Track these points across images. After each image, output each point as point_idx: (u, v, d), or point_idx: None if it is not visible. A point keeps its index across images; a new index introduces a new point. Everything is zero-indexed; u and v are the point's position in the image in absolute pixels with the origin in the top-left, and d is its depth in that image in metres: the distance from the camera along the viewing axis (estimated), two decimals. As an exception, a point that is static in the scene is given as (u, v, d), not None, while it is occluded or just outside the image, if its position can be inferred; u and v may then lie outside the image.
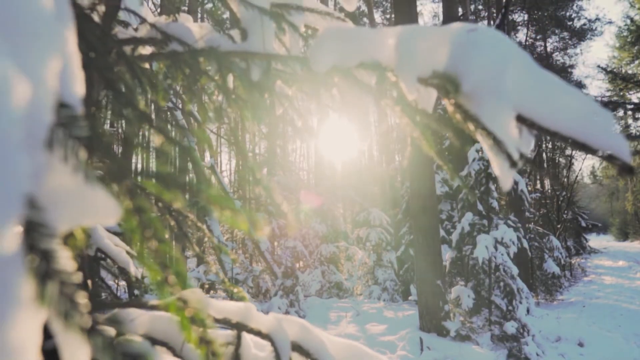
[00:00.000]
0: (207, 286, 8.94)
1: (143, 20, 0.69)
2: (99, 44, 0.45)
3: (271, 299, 8.07)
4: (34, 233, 0.21)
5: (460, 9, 11.83)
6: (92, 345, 0.25)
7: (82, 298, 0.24)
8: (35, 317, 0.22)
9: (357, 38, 0.56)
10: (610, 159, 0.49)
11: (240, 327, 0.70)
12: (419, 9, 22.62)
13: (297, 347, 0.69)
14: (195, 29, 0.72)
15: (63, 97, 0.27)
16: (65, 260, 0.23)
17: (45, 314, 0.25)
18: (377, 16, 21.28)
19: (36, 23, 0.24)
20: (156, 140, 0.36)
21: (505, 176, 0.45)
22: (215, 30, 0.70)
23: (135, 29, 0.80)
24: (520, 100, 0.48)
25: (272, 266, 9.19)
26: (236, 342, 0.73)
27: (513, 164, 0.44)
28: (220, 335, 0.75)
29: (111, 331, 0.47)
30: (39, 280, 0.21)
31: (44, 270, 0.21)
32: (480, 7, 21.08)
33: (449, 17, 8.94)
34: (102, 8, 0.66)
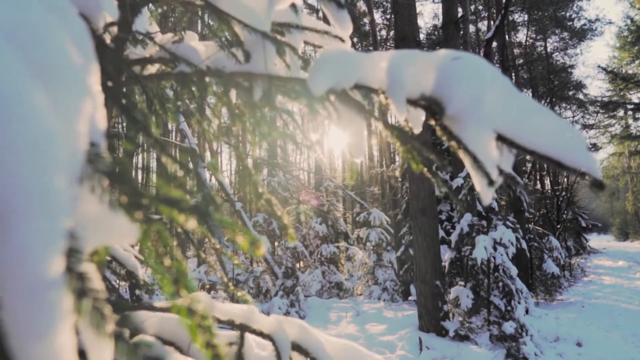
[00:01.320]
0: (207, 286, 8.98)
1: (151, 39, 0.73)
2: (114, 72, 0.49)
3: (272, 299, 8.11)
4: (72, 259, 0.25)
5: (460, 10, 11.85)
6: (118, 350, 0.30)
7: (110, 310, 0.29)
8: (72, 325, 0.26)
9: (352, 62, 0.60)
10: (582, 175, 0.53)
11: (243, 328, 0.74)
12: (419, 9, 22.61)
13: (296, 347, 0.73)
14: (201, 49, 0.77)
15: (90, 136, 0.31)
16: (96, 279, 0.28)
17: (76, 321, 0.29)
18: (377, 16, 21.28)
19: (70, 76, 0.28)
20: (168, 164, 0.40)
21: (485, 192, 0.49)
22: (220, 49, 0.75)
23: (143, 40, 0.84)
24: (501, 122, 0.53)
25: (273, 267, 9.23)
26: (239, 342, 0.78)
27: (490, 182, 0.48)
28: (225, 336, 0.80)
29: (126, 332, 0.51)
30: (76, 297, 0.25)
31: (80, 289, 0.26)
32: (480, 7, 21.07)
33: (449, 18, 8.97)
34: (114, 29, 0.70)
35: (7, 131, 0.21)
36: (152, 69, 0.78)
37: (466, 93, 0.50)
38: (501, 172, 0.54)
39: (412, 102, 0.57)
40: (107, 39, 0.70)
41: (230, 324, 0.76)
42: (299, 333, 0.77)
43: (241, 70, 0.67)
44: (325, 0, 0.58)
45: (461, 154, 0.52)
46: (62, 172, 0.23)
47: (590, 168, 0.52)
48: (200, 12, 0.73)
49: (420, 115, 0.59)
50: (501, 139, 0.53)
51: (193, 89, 0.65)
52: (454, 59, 0.53)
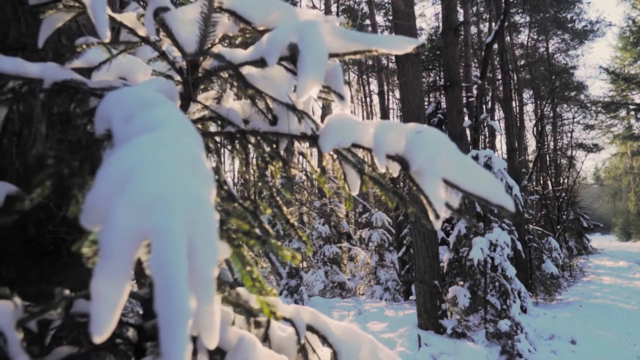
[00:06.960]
0: (214, 286, 9.26)
1: (207, 107, 1.01)
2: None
3: (276, 298, 8.38)
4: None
5: (461, 13, 12.10)
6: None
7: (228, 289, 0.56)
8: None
9: (350, 127, 0.87)
10: (502, 209, 0.80)
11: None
12: (421, 11, 22.84)
13: (310, 328, 1.00)
14: (238, 108, 1.04)
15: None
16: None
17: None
18: (379, 19, 21.52)
19: (207, 175, 0.56)
20: (233, 214, 0.67)
21: (435, 223, 0.76)
22: (252, 107, 1.02)
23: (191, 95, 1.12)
24: (448, 174, 0.80)
25: (277, 267, 9.51)
26: (266, 325, 1.05)
27: (437, 216, 0.75)
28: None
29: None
30: (218, 285, 0.53)
31: (218, 281, 0.53)
32: (482, 9, 21.26)
33: (448, 25, 9.22)
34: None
35: (197, 215, 0.49)
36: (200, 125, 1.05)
37: (424, 157, 0.77)
38: (449, 207, 0.81)
39: (390, 157, 0.85)
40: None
41: (260, 311, 1.03)
42: (311, 317, 1.04)
43: (271, 130, 0.94)
44: (330, 93, 0.85)
45: (420, 196, 0.79)
46: (217, 229, 0.50)
47: (508, 205, 0.79)
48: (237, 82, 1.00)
49: (397, 167, 0.86)
50: (448, 184, 0.80)
51: (236, 144, 0.93)
52: (417, 132, 0.80)
